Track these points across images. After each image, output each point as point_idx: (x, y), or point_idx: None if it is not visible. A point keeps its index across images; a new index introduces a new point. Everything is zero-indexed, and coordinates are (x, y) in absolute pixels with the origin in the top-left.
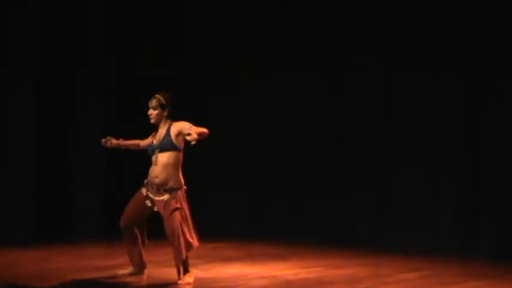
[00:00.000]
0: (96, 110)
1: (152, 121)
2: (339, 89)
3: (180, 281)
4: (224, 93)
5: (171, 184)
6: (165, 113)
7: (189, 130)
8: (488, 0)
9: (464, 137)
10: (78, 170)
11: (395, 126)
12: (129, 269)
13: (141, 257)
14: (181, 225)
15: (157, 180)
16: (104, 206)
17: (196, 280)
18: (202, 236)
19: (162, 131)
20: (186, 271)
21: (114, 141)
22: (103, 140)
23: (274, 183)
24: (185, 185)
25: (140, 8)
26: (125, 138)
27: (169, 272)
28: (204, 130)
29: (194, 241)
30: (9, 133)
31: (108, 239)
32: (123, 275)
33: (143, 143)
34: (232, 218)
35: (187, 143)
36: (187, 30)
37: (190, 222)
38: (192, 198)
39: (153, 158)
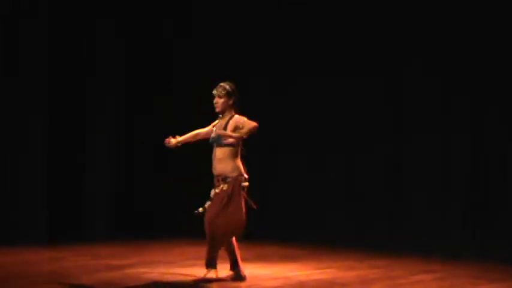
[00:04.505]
0: (106, 109)
1: (218, 110)
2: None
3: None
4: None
5: (227, 173)
6: (231, 102)
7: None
8: None
9: (475, 138)
10: (89, 171)
11: (407, 129)
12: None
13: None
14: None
15: (215, 172)
16: (115, 207)
17: (208, 281)
18: None
19: (222, 123)
20: (211, 265)
21: (172, 140)
22: (165, 141)
23: (286, 184)
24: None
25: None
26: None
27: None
28: (251, 127)
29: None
30: (21, 135)
31: (120, 239)
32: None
33: (203, 133)
34: None
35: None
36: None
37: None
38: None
39: (213, 149)
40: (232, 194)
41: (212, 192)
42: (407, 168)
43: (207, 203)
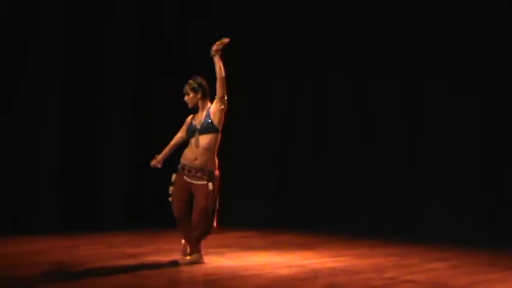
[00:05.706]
0: (122, 98)
1: (190, 106)
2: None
3: (188, 258)
4: (252, 75)
5: (209, 167)
6: (199, 95)
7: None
8: None
9: (490, 127)
10: (104, 160)
11: (420, 119)
12: (190, 258)
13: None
14: (212, 208)
15: (197, 163)
16: (129, 196)
17: (224, 268)
18: (229, 226)
19: (202, 113)
20: (197, 251)
21: (158, 158)
22: (151, 164)
23: (301, 173)
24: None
25: None
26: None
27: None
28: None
29: (215, 224)
30: (35, 123)
31: (134, 228)
32: (184, 264)
33: (177, 138)
34: (258, 207)
35: (224, 125)
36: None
37: (217, 205)
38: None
39: (193, 140)
40: (214, 190)
41: (173, 177)
42: (423, 157)
43: (171, 188)
